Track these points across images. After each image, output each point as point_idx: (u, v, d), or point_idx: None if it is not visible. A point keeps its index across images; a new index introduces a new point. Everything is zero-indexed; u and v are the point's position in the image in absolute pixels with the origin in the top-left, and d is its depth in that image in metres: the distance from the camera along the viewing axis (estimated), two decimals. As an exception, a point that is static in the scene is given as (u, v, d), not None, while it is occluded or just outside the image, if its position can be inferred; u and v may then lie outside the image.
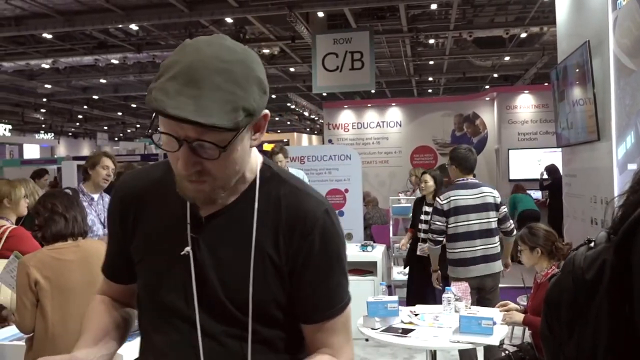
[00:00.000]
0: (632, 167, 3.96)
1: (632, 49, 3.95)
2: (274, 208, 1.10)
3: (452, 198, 4.12)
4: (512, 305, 3.55)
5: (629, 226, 1.09)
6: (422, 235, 5.21)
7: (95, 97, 18.22)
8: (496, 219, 4.18)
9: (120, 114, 22.51)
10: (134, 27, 10.78)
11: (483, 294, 4.12)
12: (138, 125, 26.74)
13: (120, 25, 10.37)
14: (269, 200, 1.11)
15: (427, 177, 5.30)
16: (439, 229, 4.15)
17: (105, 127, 26.34)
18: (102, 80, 15.55)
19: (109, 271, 1.29)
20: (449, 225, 4.12)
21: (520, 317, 3.30)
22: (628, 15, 4.00)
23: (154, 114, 0.99)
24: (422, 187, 5.33)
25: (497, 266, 4.19)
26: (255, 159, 1.13)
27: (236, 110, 0.94)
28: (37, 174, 7.41)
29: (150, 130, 1.03)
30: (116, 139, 28.90)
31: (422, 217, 5.28)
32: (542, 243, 3.27)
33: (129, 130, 28.92)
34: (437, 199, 4.22)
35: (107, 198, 4.13)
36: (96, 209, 4.00)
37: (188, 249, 1.08)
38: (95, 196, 4.03)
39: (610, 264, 1.13)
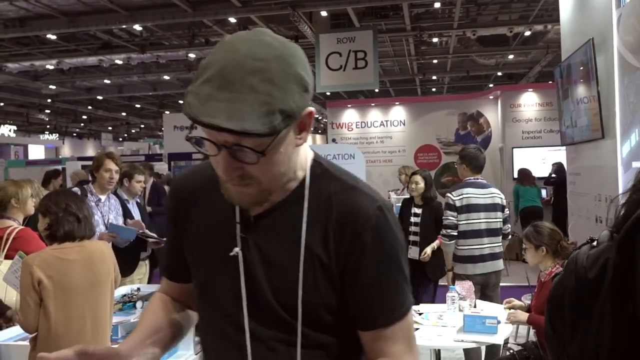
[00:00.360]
0: (637, 165, 3.94)
1: (637, 46, 3.93)
2: (324, 206, 1.05)
3: (464, 195, 4.17)
4: (516, 302, 3.55)
5: (632, 224, 1.08)
6: (411, 237, 4.99)
7: (100, 97, 18.28)
8: (502, 219, 4.30)
9: (124, 114, 22.57)
10: (137, 27, 10.80)
11: (486, 290, 4.18)
12: (142, 126, 26.82)
13: (124, 26, 10.39)
14: (320, 198, 1.05)
15: (418, 177, 5.01)
16: (452, 223, 4.18)
17: (110, 128, 26.42)
18: (106, 81, 15.59)
19: (167, 270, 1.27)
20: (460, 222, 4.17)
21: (524, 316, 3.30)
22: (632, 12, 3.98)
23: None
24: (412, 188, 5.02)
25: (501, 264, 4.30)
26: (305, 155, 1.08)
27: (272, 114, 0.88)
28: (53, 175, 7.42)
29: (190, 134, 0.98)
30: (120, 139, 28.99)
31: (412, 219, 5.05)
32: (547, 242, 3.25)
33: (133, 131, 29.00)
34: (449, 195, 4.24)
35: (113, 200, 4.15)
36: (102, 210, 4.02)
37: (237, 249, 1.04)
38: (103, 197, 4.06)
39: (613, 263, 1.13)
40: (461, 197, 4.18)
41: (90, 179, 4.62)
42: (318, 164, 1.09)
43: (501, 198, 4.30)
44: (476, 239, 4.16)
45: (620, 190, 4.16)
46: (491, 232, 4.21)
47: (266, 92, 0.88)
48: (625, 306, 1.09)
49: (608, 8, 4.43)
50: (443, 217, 4.28)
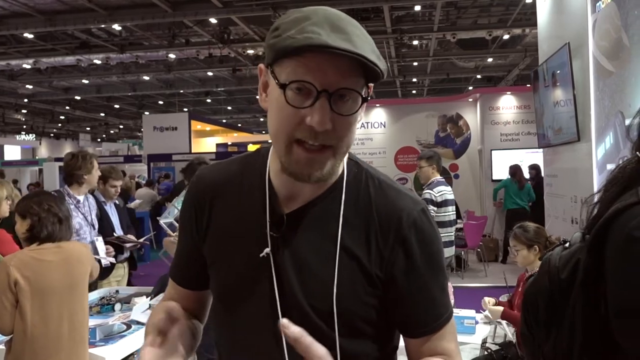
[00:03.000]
0: (611, 167, 4.02)
1: (611, 51, 4.02)
2: (363, 206, 0.98)
3: (441, 192, 4.75)
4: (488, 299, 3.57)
5: (601, 226, 1.11)
6: None
7: (78, 97, 18.05)
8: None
9: (102, 114, 22.34)
10: (116, 27, 10.70)
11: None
12: (121, 126, 26.56)
13: (102, 26, 10.29)
14: (358, 196, 0.99)
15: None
16: (439, 217, 4.70)
17: (88, 128, 26.11)
18: (85, 81, 15.43)
19: (178, 274, 1.13)
20: (439, 214, 4.73)
21: (498, 311, 3.28)
22: (607, 18, 4.06)
23: (270, 71, 0.89)
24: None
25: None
26: None
27: (380, 60, 0.86)
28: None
29: (286, 83, 0.86)
30: (99, 140, 28.66)
31: None
32: (538, 239, 3.22)
33: (112, 131, 28.70)
34: (430, 192, 4.73)
35: (91, 199, 4.09)
36: (82, 211, 3.96)
37: (268, 250, 0.96)
38: (81, 198, 3.99)
39: (584, 264, 1.16)
40: (440, 193, 4.73)
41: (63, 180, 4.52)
42: (354, 162, 1.04)
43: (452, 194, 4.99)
44: (448, 228, 4.79)
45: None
46: (453, 222, 4.93)
47: (370, 41, 0.87)
48: (596, 306, 1.12)
49: (584, 14, 4.52)
50: None
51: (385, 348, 1.03)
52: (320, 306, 0.94)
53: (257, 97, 1.01)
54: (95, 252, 3.82)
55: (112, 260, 4.03)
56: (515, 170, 8.91)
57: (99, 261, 3.71)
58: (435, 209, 4.67)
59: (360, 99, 0.88)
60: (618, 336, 1.07)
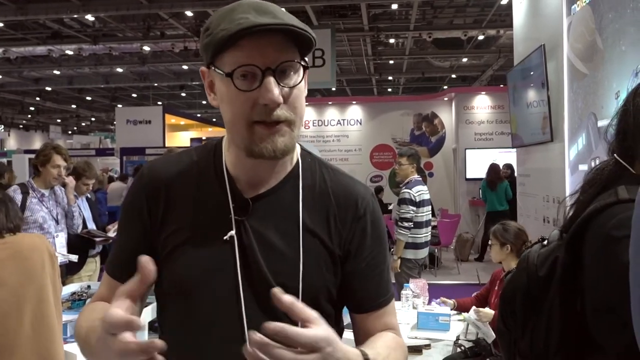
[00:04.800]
0: (583, 167, 4.10)
1: (585, 53, 4.09)
2: (320, 191, 1.06)
3: (419, 191, 4.71)
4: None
5: (579, 225, 1.13)
6: None
7: (48, 88, 17.66)
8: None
9: (74, 106, 21.89)
10: (90, 17, 10.49)
11: (421, 271, 4.92)
12: (93, 119, 26.09)
13: (75, 16, 10.08)
14: (315, 182, 1.07)
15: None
16: (411, 216, 4.65)
17: (59, 120, 25.58)
18: (56, 72, 15.07)
19: (120, 271, 1.07)
20: (417, 214, 4.69)
21: (490, 313, 3.35)
22: (581, 21, 4.13)
23: (209, 63, 0.96)
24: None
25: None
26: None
27: (307, 27, 0.93)
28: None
29: (230, 71, 0.92)
30: (70, 132, 28.09)
31: None
32: (513, 240, 3.32)
33: (83, 124, 28.16)
34: (409, 191, 4.65)
35: (59, 192, 4.01)
36: (47, 205, 3.87)
37: (232, 232, 1.00)
38: (46, 192, 3.89)
39: (561, 261, 1.17)
40: (418, 193, 4.68)
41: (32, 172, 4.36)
42: (307, 152, 1.12)
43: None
44: (424, 228, 4.76)
45: (567, 192, 4.32)
46: (429, 222, 4.88)
47: (297, 20, 0.94)
48: (573, 303, 1.13)
49: (559, 16, 4.59)
50: (402, 211, 4.65)
51: (338, 326, 1.09)
52: (288, 283, 0.97)
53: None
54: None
55: (72, 258, 3.93)
56: (488, 170, 8.92)
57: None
58: (414, 208, 4.63)
59: (301, 68, 0.96)
60: (594, 332, 1.09)
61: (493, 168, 8.89)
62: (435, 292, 4.39)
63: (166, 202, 1.05)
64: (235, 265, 0.99)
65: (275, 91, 0.92)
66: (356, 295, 1.07)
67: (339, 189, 1.07)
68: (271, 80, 0.92)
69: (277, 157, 0.97)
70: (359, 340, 1.08)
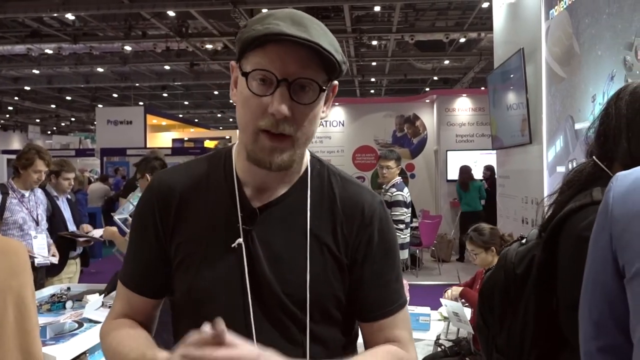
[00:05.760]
0: (561, 169, 4.17)
1: (563, 57, 4.16)
2: (328, 199, 1.05)
3: (407, 193, 4.80)
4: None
5: (556, 224, 1.16)
6: None
7: (27, 88, 17.40)
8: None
9: (53, 106, 21.59)
10: (70, 16, 10.37)
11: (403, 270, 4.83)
12: (73, 119, 25.76)
13: (55, 14, 9.96)
14: (323, 190, 1.06)
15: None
16: (406, 219, 4.73)
17: (38, 120, 25.21)
18: (35, 71, 14.86)
19: (135, 281, 1.09)
20: (405, 216, 4.74)
21: (457, 289, 3.42)
22: (559, 25, 4.20)
23: (237, 64, 0.96)
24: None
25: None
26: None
27: (338, 53, 0.93)
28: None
29: (248, 71, 0.93)
30: (49, 132, 27.69)
31: None
32: (492, 240, 3.30)
33: (63, 124, 27.79)
34: (401, 193, 4.68)
35: (40, 193, 3.97)
36: (27, 206, 3.83)
37: (240, 240, 0.99)
38: (27, 193, 3.85)
39: (538, 260, 1.20)
40: (408, 194, 4.77)
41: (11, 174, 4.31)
42: (316, 159, 1.11)
43: None
44: (407, 230, 4.85)
45: (545, 193, 4.39)
46: (409, 224, 4.94)
47: (331, 37, 0.94)
48: (549, 300, 1.16)
49: (538, 20, 4.66)
50: (396, 213, 4.65)
51: (350, 333, 1.09)
52: (295, 293, 0.98)
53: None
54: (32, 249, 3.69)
55: (53, 260, 3.88)
56: (459, 171, 9.07)
57: (33, 259, 3.48)
58: (407, 210, 4.67)
59: (319, 90, 0.94)
60: (566, 329, 1.12)
61: (463, 169, 9.10)
62: (416, 292, 4.43)
63: (177, 211, 1.05)
64: (243, 275, 0.99)
65: (285, 103, 0.91)
66: (360, 304, 1.05)
67: (347, 196, 1.06)
68: (284, 92, 0.91)
69: (272, 170, 0.97)
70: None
